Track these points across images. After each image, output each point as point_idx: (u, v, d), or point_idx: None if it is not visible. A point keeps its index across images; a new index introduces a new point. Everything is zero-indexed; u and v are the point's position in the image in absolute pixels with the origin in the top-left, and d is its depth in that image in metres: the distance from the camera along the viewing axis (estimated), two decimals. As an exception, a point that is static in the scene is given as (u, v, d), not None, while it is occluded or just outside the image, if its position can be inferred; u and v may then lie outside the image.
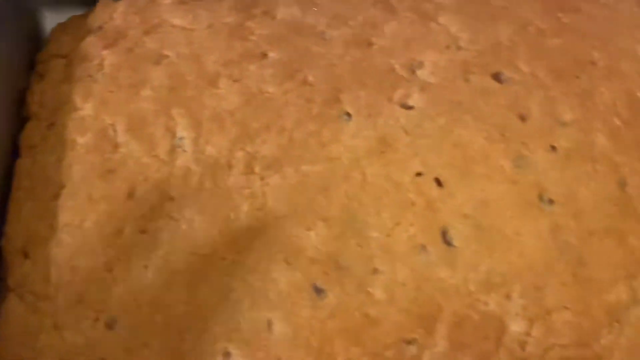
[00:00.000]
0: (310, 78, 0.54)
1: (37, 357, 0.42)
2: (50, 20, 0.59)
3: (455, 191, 0.49)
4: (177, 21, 0.56)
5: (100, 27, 0.55)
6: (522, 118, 0.53)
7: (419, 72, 0.55)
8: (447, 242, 0.48)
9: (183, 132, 0.51)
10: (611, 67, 0.56)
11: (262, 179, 0.49)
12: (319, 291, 0.45)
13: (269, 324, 0.44)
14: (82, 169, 0.48)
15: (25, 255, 0.45)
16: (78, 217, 0.47)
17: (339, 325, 0.44)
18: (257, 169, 0.50)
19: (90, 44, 0.54)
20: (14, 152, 0.50)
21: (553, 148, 0.52)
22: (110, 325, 0.44)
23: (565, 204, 0.49)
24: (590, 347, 0.45)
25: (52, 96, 0.52)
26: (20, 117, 0.52)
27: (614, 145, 0.52)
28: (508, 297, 0.46)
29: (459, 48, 0.56)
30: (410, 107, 0.53)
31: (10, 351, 0.43)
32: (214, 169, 0.49)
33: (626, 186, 0.51)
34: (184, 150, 0.50)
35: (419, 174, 0.50)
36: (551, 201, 0.49)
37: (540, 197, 0.49)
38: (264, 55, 0.55)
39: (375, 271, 0.46)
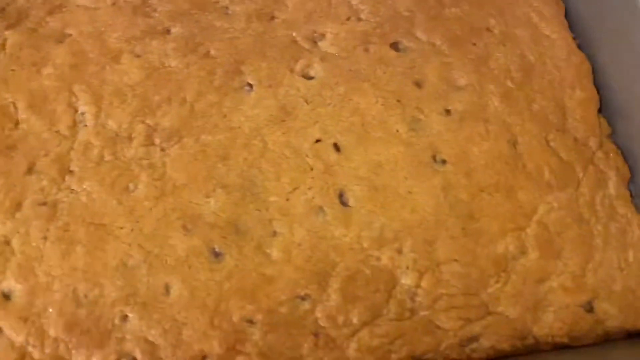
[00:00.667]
0: (213, 51, 0.55)
1: None
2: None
3: (352, 155, 0.51)
4: (81, 1, 0.57)
5: (3, 9, 0.56)
6: (418, 84, 0.55)
7: (320, 44, 0.56)
8: (343, 203, 0.49)
9: (84, 107, 0.51)
10: (507, 33, 0.58)
11: (162, 149, 0.50)
12: (217, 255, 0.47)
13: (167, 288, 0.45)
14: (-20, 146, 0.49)
15: None
16: (-24, 192, 0.47)
17: (235, 286, 0.45)
18: (157, 141, 0.51)
19: (-8, 24, 0.55)
20: None
21: (447, 112, 0.54)
22: (7, 296, 0.44)
23: (457, 163, 0.51)
24: (478, 296, 0.47)
25: (-48, 77, 0.52)
26: None
27: (507, 107, 0.54)
28: (399, 251, 0.47)
29: (359, 20, 0.58)
30: (311, 77, 0.55)
31: None
32: (115, 142, 0.50)
33: (517, 145, 0.53)
34: (85, 125, 0.51)
35: (318, 141, 0.52)
36: (444, 161, 0.51)
37: (434, 158, 0.52)
38: (167, 31, 0.56)
39: (274, 233, 0.48)
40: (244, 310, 0.44)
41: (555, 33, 0.59)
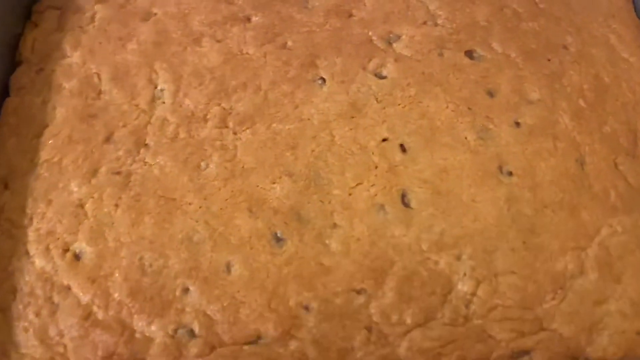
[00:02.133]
0: (290, 43, 0.56)
1: (8, 278, 0.45)
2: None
3: (417, 157, 0.51)
4: (168, -18, 0.59)
5: (94, -17, 0.58)
6: (490, 94, 0.55)
7: (395, 45, 0.57)
8: (405, 204, 0.50)
9: (164, 84, 0.53)
10: (582, 52, 0.58)
11: (234, 133, 0.52)
12: (278, 240, 0.48)
13: (228, 265, 0.47)
14: (65, 111, 0.51)
15: (5, 185, 0.48)
16: (57, 155, 0.49)
17: (294, 272, 0.46)
18: (230, 124, 0.52)
19: (85, -2, 0.57)
20: (5, 92, 0.53)
21: (517, 124, 0.54)
22: (78, 257, 0.46)
23: (523, 176, 0.51)
24: (533, 310, 0.47)
25: (44, 43, 0.55)
26: (13, 62, 0.54)
27: (577, 125, 0.54)
28: (458, 258, 0.48)
29: (435, 24, 0.58)
30: (383, 77, 0.55)
31: (-18, 271, 0.46)
32: (190, 121, 0.52)
33: (584, 164, 0.52)
34: (163, 102, 0.53)
35: (385, 139, 0.52)
36: (510, 173, 0.51)
37: (500, 169, 0.51)
38: (248, 19, 0.58)
39: (334, 225, 0.48)
40: (301, 297, 0.45)
41: (634, 56, 0.58)
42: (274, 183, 0.50)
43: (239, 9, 0.57)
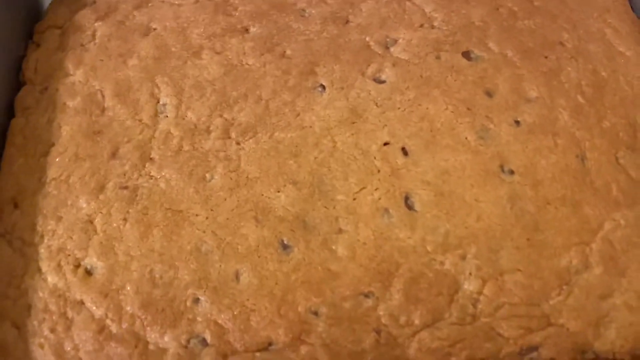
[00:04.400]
0: (288, 52, 0.57)
1: (22, 296, 0.46)
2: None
3: (419, 160, 0.52)
4: (165, -3, 0.60)
5: (94, 1, 0.59)
6: (489, 94, 0.55)
7: (392, 49, 0.58)
8: (409, 207, 0.50)
9: (166, 98, 0.54)
10: (579, 48, 0.58)
11: (237, 143, 0.53)
12: (285, 247, 0.48)
13: (237, 274, 0.47)
14: (70, 129, 0.52)
15: (15, 205, 0.49)
16: (65, 172, 0.50)
17: (302, 278, 0.47)
18: (233, 135, 0.53)
19: (84, 16, 0.58)
20: (10, 113, 0.54)
21: (517, 122, 0.54)
22: (89, 272, 0.47)
23: (525, 174, 0.52)
24: (540, 307, 0.47)
25: (47, 63, 0.55)
26: (17, 82, 0.55)
27: (576, 121, 0.54)
28: (463, 258, 0.48)
29: (432, 27, 0.59)
30: (382, 81, 0.56)
31: (-4, 290, 0.47)
32: (193, 133, 0.53)
33: (585, 160, 0.53)
34: (166, 116, 0.54)
35: (386, 144, 0.53)
36: (511, 172, 0.52)
37: (501, 168, 0.52)
38: (246, 30, 0.58)
39: (339, 231, 0.49)
40: (310, 302, 0.46)
41: (630, 50, 0.58)
42: (278, 191, 0.50)
43: (237, 21, 0.58)
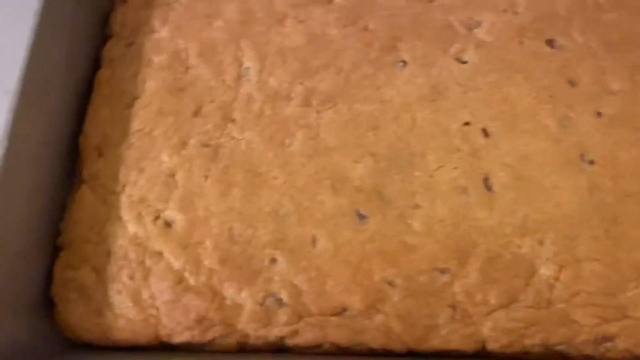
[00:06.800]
0: (371, 25, 0.57)
1: (102, 242, 0.47)
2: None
3: (499, 142, 0.52)
4: (251, -37, 0.60)
5: (181, -38, 0.60)
6: (571, 83, 0.55)
7: (475, 31, 0.57)
8: (488, 188, 0.50)
9: (249, 62, 0.54)
10: (665, 45, 0.58)
11: (317, 112, 0.53)
12: (361, 217, 0.48)
13: (313, 239, 0.47)
14: (155, 84, 0.52)
15: (100, 153, 0.50)
16: (148, 125, 0.51)
17: (378, 248, 0.47)
18: (313, 103, 0.53)
19: (171, -25, 0.58)
20: (95, 64, 0.54)
21: (598, 114, 0.53)
22: (169, 224, 0.48)
23: (605, 165, 0.51)
24: (616, 298, 0.46)
25: (133, 19, 0.56)
26: (103, 35, 0.56)
27: (659, 117, 0.54)
28: (541, 242, 0.48)
29: (515, 13, 0.58)
30: (464, 62, 0.55)
31: (79, 233, 0.47)
32: (274, 99, 0.53)
33: (667, 156, 0.52)
34: (249, 79, 0.54)
35: (466, 124, 0.53)
36: (592, 162, 0.51)
37: (582, 157, 0.51)
38: (330, 1, 0.58)
39: (416, 206, 0.49)
40: (385, 273, 0.46)
41: None
42: (356, 162, 0.50)
43: (321, -9, 0.58)
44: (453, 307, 0.45)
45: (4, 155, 0.42)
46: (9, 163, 0.42)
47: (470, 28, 0.58)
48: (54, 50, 0.48)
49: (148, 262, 0.46)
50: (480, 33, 0.57)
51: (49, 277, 0.46)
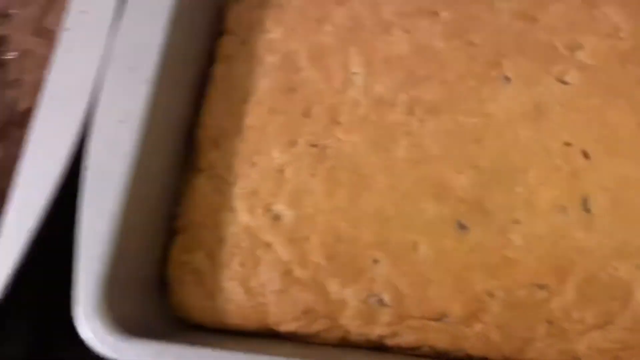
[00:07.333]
0: (476, 40, 0.58)
1: (216, 229, 0.49)
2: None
3: (599, 165, 0.52)
4: (361, -29, 0.62)
5: (290, -35, 0.62)
6: (676, 111, 0.55)
7: (578, 53, 0.58)
8: (586, 209, 0.51)
9: (356, 68, 0.56)
10: None
11: (420, 121, 0.54)
12: (462, 227, 0.50)
13: (414, 245, 0.49)
14: (268, 82, 0.55)
15: (215, 145, 0.52)
16: (261, 122, 0.53)
17: (479, 259, 0.48)
18: (417, 112, 0.55)
19: (284, -22, 0.61)
20: (209, 58, 0.57)
21: None
22: (278, 217, 0.50)
23: None
24: None
25: (247, 18, 0.58)
26: (216, 31, 0.59)
27: None
28: (639, 267, 0.48)
29: (619, 38, 0.59)
30: (566, 83, 0.56)
31: (195, 218, 0.50)
32: (380, 105, 0.55)
33: None
34: (355, 84, 0.56)
35: (567, 144, 0.53)
36: (694, 194, 0.52)
37: (683, 186, 0.52)
38: (436, 14, 0.60)
39: (516, 221, 0.50)
40: (486, 284, 0.47)
41: None
42: (459, 173, 0.52)
43: (429, 4, 0.60)
44: (550, 322, 0.47)
45: (143, 138, 0.45)
46: (144, 147, 0.45)
47: (572, 50, 0.58)
48: (183, 43, 0.50)
49: (258, 252, 0.48)
50: (582, 56, 0.58)
51: (162, 259, 0.49)
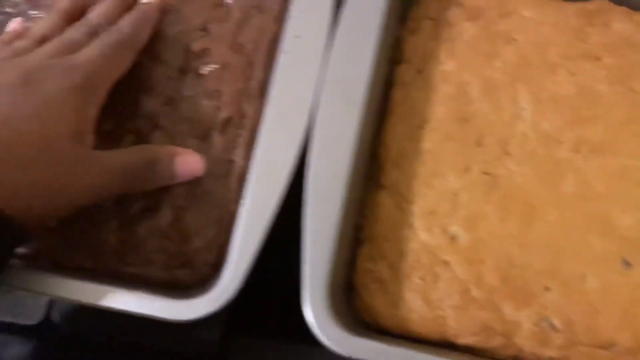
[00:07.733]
0: (637, 87, 0.61)
1: (398, 243, 0.54)
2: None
3: None
4: (527, 13, 0.65)
5: (462, 4, 0.66)
6: None
7: None
8: None
9: (525, 104, 0.60)
10: None
11: (586, 159, 0.58)
12: (627, 264, 0.53)
13: (583, 277, 0.52)
14: (443, 111, 0.59)
15: (396, 165, 0.57)
16: (437, 147, 0.57)
17: (644, 296, 0.51)
18: (582, 150, 0.58)
19: (455, 14, 0.65)
20: (387, 83, 0.62)
21: None
22: (454, 238, 0.54)
23: None
24: None
25: (422, 49, 0.63)
26: (392, 58, 0.63)
27: None
28: None
29: None
30: None
31: (379, 231, 0.55)
32: (547, 141, 0.58)
33: None
34: (523, 119, 0.59)
35: None
36: None
37: None
38: (598, 59, 0.63)
39: (677, 263, 0.53)
40: (654, 320, 0.51)
41: None
42: (623, 212, 0.55)
43: (591, 48, 0.63)
44: None
45: (354, 156, 0.50)
46: (355, 164, 0.50)
47: None
48: (378, 70, 0.55)
49: (437, 269, 0.52)
50: None
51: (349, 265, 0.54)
